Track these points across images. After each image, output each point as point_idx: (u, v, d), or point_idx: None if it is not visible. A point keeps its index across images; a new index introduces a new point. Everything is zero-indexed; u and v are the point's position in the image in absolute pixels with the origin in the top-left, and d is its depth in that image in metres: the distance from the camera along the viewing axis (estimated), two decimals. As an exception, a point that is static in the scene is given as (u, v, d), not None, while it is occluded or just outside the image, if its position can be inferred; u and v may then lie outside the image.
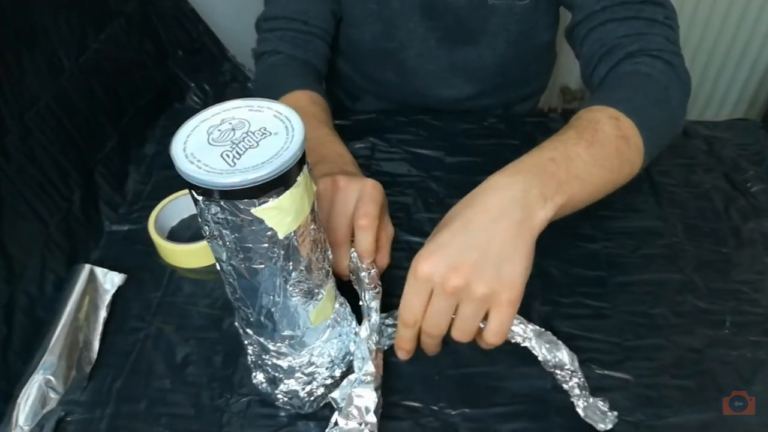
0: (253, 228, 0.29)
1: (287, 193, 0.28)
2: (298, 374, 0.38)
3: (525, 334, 0.38)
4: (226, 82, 0.83)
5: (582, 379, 0.39)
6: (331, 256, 0.36)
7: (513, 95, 0.70)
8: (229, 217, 0.28)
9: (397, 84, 0.68)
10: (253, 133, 0.28)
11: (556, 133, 0.42)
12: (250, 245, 0.30)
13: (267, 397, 0.41)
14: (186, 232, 0.56)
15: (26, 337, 0.46)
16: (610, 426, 0.39)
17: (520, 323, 0.38)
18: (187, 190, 0.61)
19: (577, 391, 0.39)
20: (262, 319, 0.35)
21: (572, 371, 0.39)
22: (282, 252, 0.30)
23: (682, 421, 0.41)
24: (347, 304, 0.41)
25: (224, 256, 0.32)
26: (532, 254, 0.36)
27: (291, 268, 0.32)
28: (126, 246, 0.55)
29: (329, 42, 0.63)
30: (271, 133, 0.28)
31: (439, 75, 0.65)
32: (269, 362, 0.38)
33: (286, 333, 0.36)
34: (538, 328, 0.39)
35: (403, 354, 0.40)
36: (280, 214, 0.29)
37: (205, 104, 0.80)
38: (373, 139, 0.63)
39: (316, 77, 0.62)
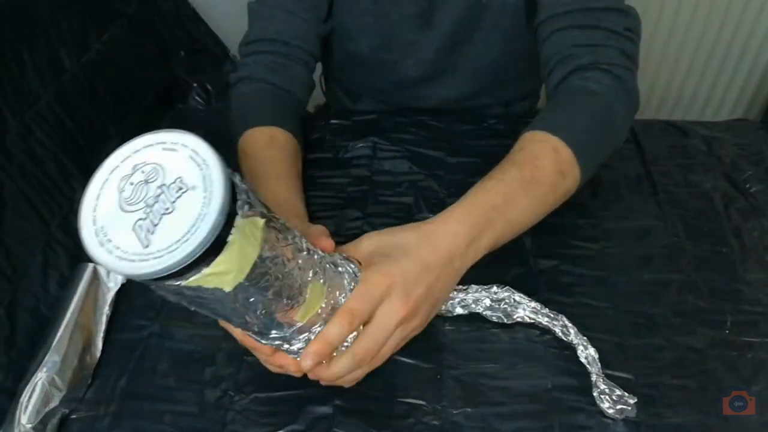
0: (193, 292, 0.26)
1: (219, 258, 0.25)
2: (301, 352, 0.37)
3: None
4: (229, 82, 0.83)
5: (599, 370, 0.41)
6: (317, 256, 0.34)
7: (511, 93, 0.70)
8: (166, 290, 0.26)
9: (396, 90, 0.68)
10: (169, 188, 0.25)
11: (504, 162, 0.46)
12: (201, 301, 0.28)
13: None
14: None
15: (31, 336, 0.46)
16: (632, 404, 0.40)
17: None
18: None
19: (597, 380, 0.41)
20: (247, 331, 0.34)
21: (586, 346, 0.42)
22: (237, 296, 0.28)
23: (682, 420, 0.41)
24: (348, 267, 0.38)
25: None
26: None
27: (255, 300, 0.29)
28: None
29: (312, 66, 0.60)
30: (188, 188, 0.24)
31: (439, 78, 0.66)
32: (269, 344, 0.37)
33: (274, 335, 0.35)
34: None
35: (308, 360, 0.36)
36: (218, 277, 0.26)
37: (208, 104, 0.80)
38: (374, 139, 0.63)
39: (290, 107, 0.58)
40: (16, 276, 0.47)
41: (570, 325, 0.44)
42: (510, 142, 0.63)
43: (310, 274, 0.34)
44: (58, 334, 0.45)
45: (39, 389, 0.42)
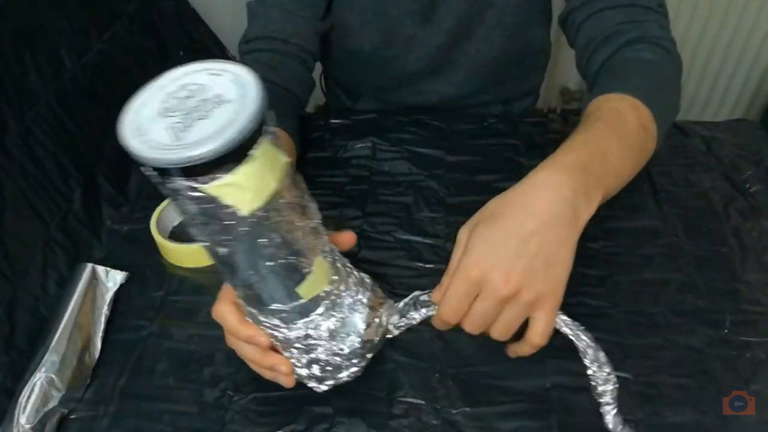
0: (212, 205, 0.27)
1: (240, 168, 0.26)
2: (297, 345, 0.37)
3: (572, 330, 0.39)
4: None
5: (616, 387, 0.39)
6: (330, 245, 0.35)
7: (511, 91, 0.71)
8: (187, 193, 0.27)
9: (396, 87, 0.68)
10: (207, 101, 0.27)
11: (584, 123, 0.43)
12: (210, 222, 0.28)
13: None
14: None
15: (30, 336, 0.46)
16: None
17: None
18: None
19: (608, 398, 0.39)
20: (247, 292, 0.34)
21: (608, 373, 0.38)
22: (249, 230, 0.29)
23: (681, 420, 0.41)
24: (355, 273, 0.39)
25: (194, 230, 0.30)
26: (575, 253, 0.37)
27: (264, 244, 0.30)
28: (128, 245, 0.55)
29: (310, 64, 0.60)
30: (225, 102, 0.27)
31: (439, 74, 0.66)
32: (266, 333, 0.37)
33: (274, 307, 0.34)
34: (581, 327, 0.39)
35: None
36: (237, 191, 0.27)
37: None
38: (374, 139, 0.63)
39: (287, 106, 0.57)
40: (15, 276, 0.47)
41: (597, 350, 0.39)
42: (510, 141, 0.64)
43: (319, 249, 0.34)
44: (57, 334, 0.45)
45: (38, 389, 0.42)
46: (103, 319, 0.48)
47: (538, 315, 0.36)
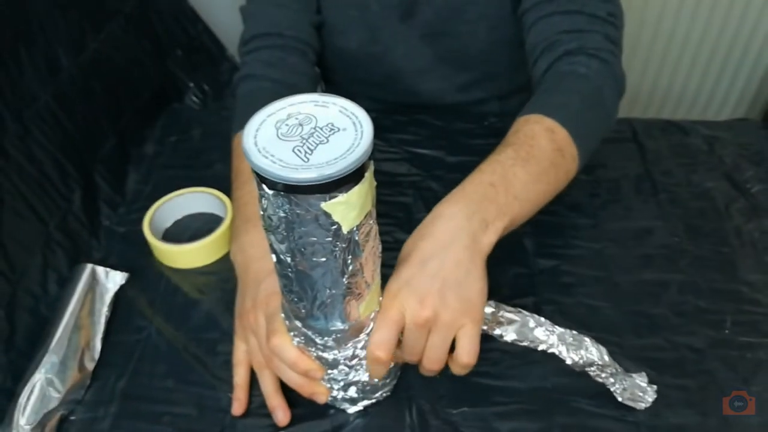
0: (319, 222, 0.30)
1: (356, 188, 0.29)
2: (341, 366, 0.38)
3: (549, 341, 0.38)
4: (225, 82, 0.83)
5: (615, 368, 0.39)
6: (380, 250, 0.36)
7: (505, 86, 0.70)
8: (297, 211, 0.29)
9: (388, 85, 0.68)
10: (322, 129, 0.29)
11: (494, 150, 0.44)
12: (314, 239, 0.30)
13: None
14: (184, 232, 0.55)
15: (31, 336, 0.46)
16: (650, 402, 0.40)
17: (545, 330, 0.38)
18: (181, 191, 0.60)
19: (611, 380, 0.39)
20: (315, 311, 0.35)
21: (602, 365, 0.38)
22: (343, 246, 0.31)
23: (682, 421, 0.41)
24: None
25: (284, 248, 0.32)
26: (485, 273, 0.38)
27: (350, 261, 0.32)
28: (127, 246, 0.55)
29: (311, 56, 0.60)
30: (339, 129, 0.29)
31: (427, 70, 0.65)
32: (314, 355, 0.38)
33: (335, 327, 0.36)
34: (560, 329, 0.38)
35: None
36: (347, 209, 0.29)
37: (204, 104, 0.80)
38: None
39: None
40: (15, 276, 0.47)
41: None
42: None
43: (379, 268, 0.36)
44: (57, 335, 0.45)
45: (37, 390, 0.42)
46: (103, 320, 0.48)
47: (460, 334, 0.37)
